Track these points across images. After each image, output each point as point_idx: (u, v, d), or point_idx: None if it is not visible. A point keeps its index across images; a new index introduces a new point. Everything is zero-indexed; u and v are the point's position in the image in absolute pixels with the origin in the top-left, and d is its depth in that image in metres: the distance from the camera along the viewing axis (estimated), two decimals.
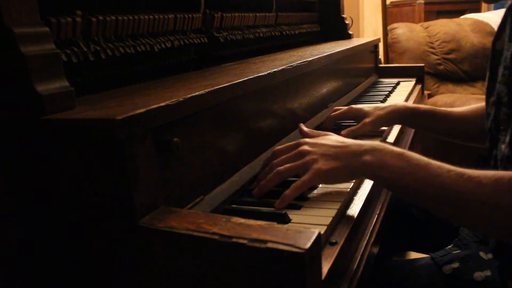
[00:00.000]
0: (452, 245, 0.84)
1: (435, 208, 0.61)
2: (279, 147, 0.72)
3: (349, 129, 0.95)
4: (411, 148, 1.13)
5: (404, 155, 0.61)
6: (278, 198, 0.63)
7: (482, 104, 0.96)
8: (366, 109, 0.99)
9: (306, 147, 0.67)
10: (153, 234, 0.47)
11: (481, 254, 0.76)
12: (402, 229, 1.03)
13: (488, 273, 0.72)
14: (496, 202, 0.54)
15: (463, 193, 0.56)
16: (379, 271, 0.81)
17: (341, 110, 1.01)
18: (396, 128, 1.07)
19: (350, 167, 0.63)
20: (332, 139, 0.69)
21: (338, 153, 0.65)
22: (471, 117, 0.97)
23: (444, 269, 0.76)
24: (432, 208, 0.62)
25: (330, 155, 0.65)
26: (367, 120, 0.96)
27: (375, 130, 0.98)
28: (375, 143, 0.65)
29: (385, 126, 1.01)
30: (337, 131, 0.96)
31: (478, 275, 0.72)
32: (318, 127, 1.03)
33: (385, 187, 0.77)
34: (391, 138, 1.01)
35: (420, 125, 1.04)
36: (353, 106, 1.01)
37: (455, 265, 0.76)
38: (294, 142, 0.71)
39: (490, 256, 0.75)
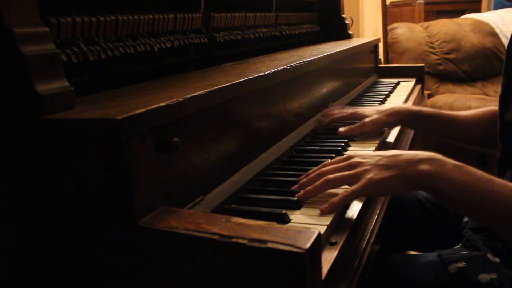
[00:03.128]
0: (460, 245, 0.82)
1: (493, 224, 0.60)
2: (328, 161, 0.70)
3: (348, 126, 0.95)
4: (410, 148, 1.13)
5: (465, 168, 0.59)
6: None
7: (488, 108, 0.96)
8: (367, 112, 0.99)
9: (357, 159, 0.65)
10: (153, 234, 0.47)
11: (489, 256, 0.74)
12: (402, 229, 1.03)
13: (493, 275, 0.70)
14: None
15: None
16: (382, 266, 0.80)
17: (343, 115, 1.01)
18: (396, 129, 1.06)
19: (405, 176, 0.60)
20: (385, 151, 0.67)
21: (391, 161, 0.62)
22: (477, 121, 0.96)
23: (449, 267, 0.74)
24: (490, 224, 0.60)
25: (383, 164, 0.62)
26: (367, 119, 0.96)
27: (375, 130, 0.97)
28: (432, 153, 0.62)
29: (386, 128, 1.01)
30: (335, 132, 0.96)
31: (483, 277, 0.70)
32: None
33: (441, 201, 0.73)
34: (391, 138, 1.01)
35: (423, 128, 1.03)
36: (355, 111, 1.01)
37: (461, 264, 0.74)
38: (344, 156, 0.70)
39: (497, 260, 0.73)
